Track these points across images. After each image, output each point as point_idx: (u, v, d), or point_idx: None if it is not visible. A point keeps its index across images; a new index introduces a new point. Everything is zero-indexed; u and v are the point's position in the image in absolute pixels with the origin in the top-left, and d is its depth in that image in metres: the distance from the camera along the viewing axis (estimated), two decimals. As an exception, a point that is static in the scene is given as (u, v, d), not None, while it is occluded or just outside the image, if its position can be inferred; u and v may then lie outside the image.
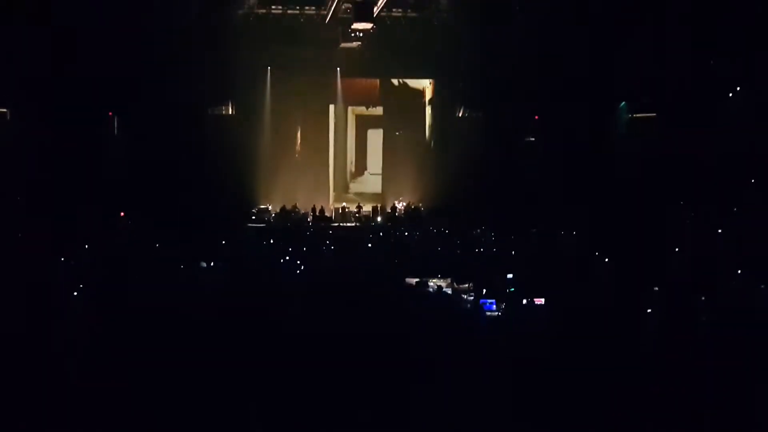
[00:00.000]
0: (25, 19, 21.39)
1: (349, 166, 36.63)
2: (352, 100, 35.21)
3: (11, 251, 17.87)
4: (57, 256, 16.78)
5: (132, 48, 23.52)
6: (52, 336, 11.28)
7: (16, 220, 20.53)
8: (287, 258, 19.71)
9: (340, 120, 35.84)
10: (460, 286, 16.32)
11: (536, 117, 28.59)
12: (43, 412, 8.58)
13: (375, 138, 36.19)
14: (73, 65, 22.52)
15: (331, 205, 33.66)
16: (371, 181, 36.21)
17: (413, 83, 34.97)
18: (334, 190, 35.33)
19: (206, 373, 9.73)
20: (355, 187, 36.42)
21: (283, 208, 31.18)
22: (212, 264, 18.09)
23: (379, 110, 35.43)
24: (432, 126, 34.37)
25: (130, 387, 9.23)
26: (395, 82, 34.72)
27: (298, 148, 33.94)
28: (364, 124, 36.46)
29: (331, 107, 35.21)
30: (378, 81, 34.54)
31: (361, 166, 36.77)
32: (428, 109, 34.90)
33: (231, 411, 8.89)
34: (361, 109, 36.01)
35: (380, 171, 35.53)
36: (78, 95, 23.13)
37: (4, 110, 23.42)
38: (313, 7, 28.58)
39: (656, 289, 14.05)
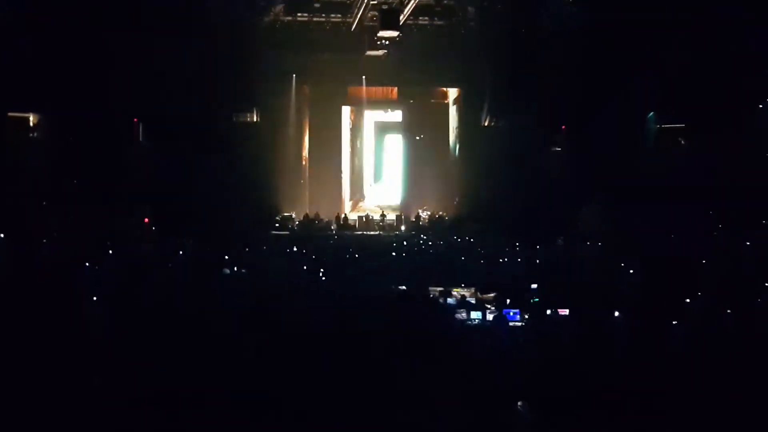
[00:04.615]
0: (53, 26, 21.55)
1: (367, 173, 36.63)
2: (371, 104, 35.10)
3: (35, 256, 17.94)
4: (81, 261, 16.79)
5: (158, 55, 23.60)
6: (74, 340, 11.28)
7: (41, 225, 20.62)
8: (311, 266, 19.62)
9: (359, 127, 35.85)
10: (484, 296, 16.19)
11: (563, 127, 28.41)
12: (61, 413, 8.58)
13: (394, 144, 36.11)
14: (98, 72, 22.64)
15: (352, 213, 33.65)
16: (390, 189, 36.15)
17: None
18: (351, 198, 35.35)
19: (224, 378, 9.70)
20: (374, 195, 36.41)
21: (306, 216, 31.17)
22: (236, 270, 18.04)
23: (397, 115, 35.27)
24: (456, 133, 34.22)
25: (147, 389, 9.21)
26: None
27: (305, 154, 33.92)
28: (382, 130, 36.37)
29: (352, 115, 35.25)
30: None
31: (379, 174, 36.74)
32: (451, 112, 34.69)
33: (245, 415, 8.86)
34: (380, 114, 35.89)
35: (400, 178, 35.44)
36: (103, 102, 23.24)
37: (28, 115, 23.56)
38: (339, 15, 28.51)
39: (687, 301, 13.86)
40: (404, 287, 16.31)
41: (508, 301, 15.02)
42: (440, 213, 32.93)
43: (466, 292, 16.19)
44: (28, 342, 10.59)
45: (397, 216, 32.83)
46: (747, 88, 21.41)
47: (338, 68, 30.92)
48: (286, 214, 30.89)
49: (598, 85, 24.75)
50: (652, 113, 26.08)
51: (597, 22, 24.48)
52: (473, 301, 15.63)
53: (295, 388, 9.55)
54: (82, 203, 22.30)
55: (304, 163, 33.80)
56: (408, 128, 34.95)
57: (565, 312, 13.86)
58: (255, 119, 28.98)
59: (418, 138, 34.69)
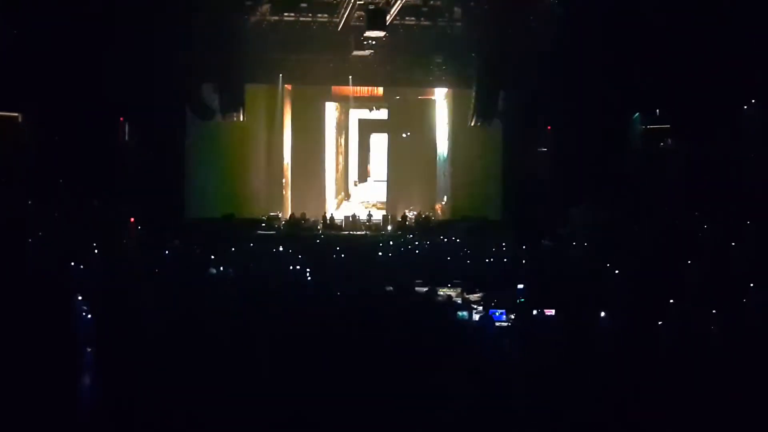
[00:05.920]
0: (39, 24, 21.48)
1: (352, 171, 36.62)
2: (356, 101, 35.01)
3: (22, 255, 17.86)
4: (67, 261, 16.73)
5: (143, 54, 23.54)
6: (62, 341, 11.24)
7: (26, 224, 20.52)
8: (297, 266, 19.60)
9: (343, 125, 35.81)
10: (471, 296, 16.23)
11: (549, 128, 28.48)
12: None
13: (379, 143, 36.06)
14: (85, 71, 22.57)
15: (338, 212, 33.62)
16: (375, 189, 36.13)
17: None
18: (336, 197, 35.32)
19: (213, 376, 9.69)
20: (359, 193, 36.39)
21: (292, 216, 31.10)
22: (222, 270, 18.02)
23: (383, 113, 35.22)
24: (443, 132, 34.19)
25: (137, 391, 9.19)
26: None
27: (290, 153, 33.83)
28: (367, 129, 36.32)
29: (337, 113, 35.19)
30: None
31: (364, 173, 36.70)
32: (438, 109, 34.66)
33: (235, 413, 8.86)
34: (364, 113, 35.85)
35: (384, 178, 35.42)
36: (89, 101, 23.16)
37: (16, 114, 23.43)
38: (326, 15, 28.40)
39: (672, 301, 13.91)
40: (390, 287, 16.34)
41: (494, 301, 15.07)
42: (427, 213, 32.92)
43: (452, 292, 16.22)
44: (14, 343, 10.54)
45: (383, 216, 32.80)
46: (733, 89, 21.50)
47: (325, 68, 30.85)
48: (272, 213, 30.79)
49: (584, 85, 24.82)
50: (637, 114, 26.17)
51: (584, 22, 24.53)
52: (460, 301, 15.67)
53: (286, 389, 9.55)
54: (68, 203, 22.23)
55: (288, 162, 33.70)
56: (394, 126, 34.82)
57: (552, 312, 13.90)
58: (241, 119, 28.85)
59: (404, 135, 34.58)
